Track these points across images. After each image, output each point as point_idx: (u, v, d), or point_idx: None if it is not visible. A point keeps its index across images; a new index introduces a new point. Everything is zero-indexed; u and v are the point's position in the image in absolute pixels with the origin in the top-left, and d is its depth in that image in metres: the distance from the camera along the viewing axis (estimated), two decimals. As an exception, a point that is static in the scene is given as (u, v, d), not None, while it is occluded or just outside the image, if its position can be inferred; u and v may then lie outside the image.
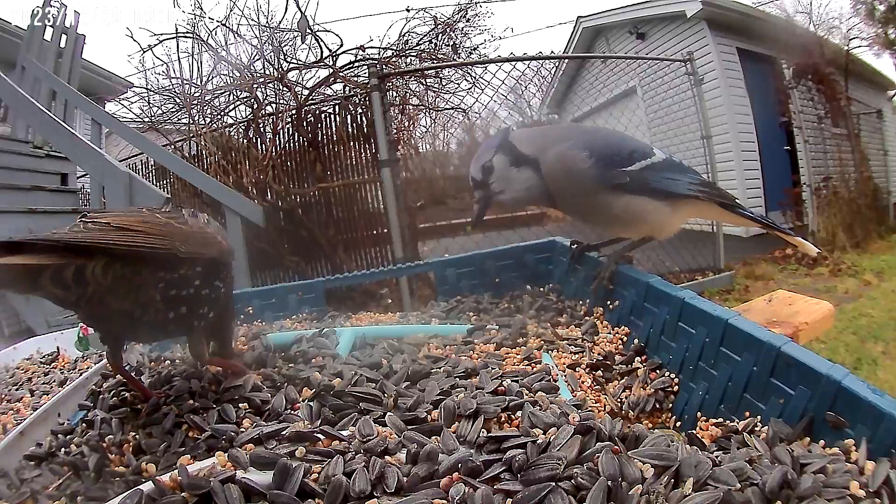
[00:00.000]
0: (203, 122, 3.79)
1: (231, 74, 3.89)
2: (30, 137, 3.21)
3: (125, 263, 0.54)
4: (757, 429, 0.51)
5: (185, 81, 3.86)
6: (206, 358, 0.66)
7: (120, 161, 2.22)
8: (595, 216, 0.84)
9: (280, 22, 3.77)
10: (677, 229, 0.85)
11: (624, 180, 0.77)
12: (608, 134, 0.84)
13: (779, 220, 5.32)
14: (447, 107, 4.28)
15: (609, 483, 0.38)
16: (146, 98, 4.10)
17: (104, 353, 0.61)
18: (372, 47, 3.88)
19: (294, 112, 3.67)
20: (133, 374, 0.69)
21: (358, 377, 0.61)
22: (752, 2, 5.72)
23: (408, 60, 4.08)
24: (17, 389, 0.80)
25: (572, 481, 0.39)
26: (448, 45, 4.17)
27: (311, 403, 0.57)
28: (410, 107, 3.85)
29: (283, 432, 0.49)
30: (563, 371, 0.68)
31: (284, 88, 3.73)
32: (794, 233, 0.89)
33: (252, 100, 3.80)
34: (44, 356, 0.95)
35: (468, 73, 4.12)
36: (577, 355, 0.72)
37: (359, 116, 3.62)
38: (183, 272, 0.58)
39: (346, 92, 3.78)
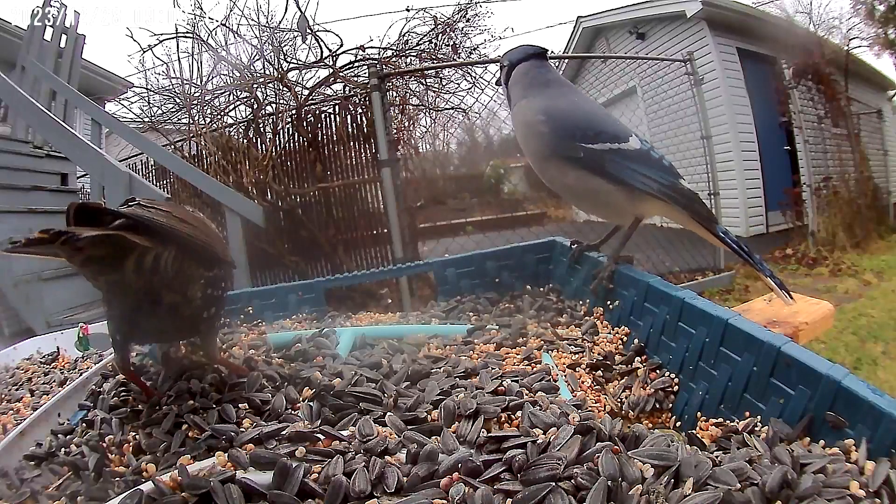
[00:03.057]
0: (203, 122, 3.79)
1: (231, 74, 3.89)
2: (30, 137, 3.21)
3: (186, 256, 0.54)
4: (757, 429, 0.51)
5: (185, 81, 3.86)
6: (218, 358, 0.66)
7: (120, 161, 2.22)
8: (548, 181, 0.85)
9: (280, 22, 3.77)
10: (641, 218, 0.84)
11: (577, 155, 0.77)
12: (584, 107, 0.84)
13: (779, 220, 5.35)
14: (447, 107, 4.28)
15: (609, 483, 0.38)
16: (146, 98, 4.10)
17: (112, 348, 0.60)
18: (372, 47, 3.88)
19: (294, 112, 3.67)
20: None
21: (358, 377, 0.61)
22: (752, 2, 5.73)
23: (408, 60, 4.08)
24: (17, 389, 0.80)
25: (572, 481, 0.39)
26: (448, 45, 4.17)
27: (311, 403, 0.57)
28: (410, 107, 3.85)
29: (283, 432, 0.49)
30: (563, 371, 0.68)
31: (284, 88, 3.73)
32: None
33: (252, 100, 3.80)
34: (44, 356, 0.95)
35: (468, 73, 4.12)
36: (577, 355, 0.72)
37: (359, 116, 3.62)
38: (216, 271, 0.59)
39: (346, 92, 3.78)
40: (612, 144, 0.78)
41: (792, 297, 0.77)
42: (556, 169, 0.80)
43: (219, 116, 3.93)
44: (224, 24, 3.77)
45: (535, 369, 0.66)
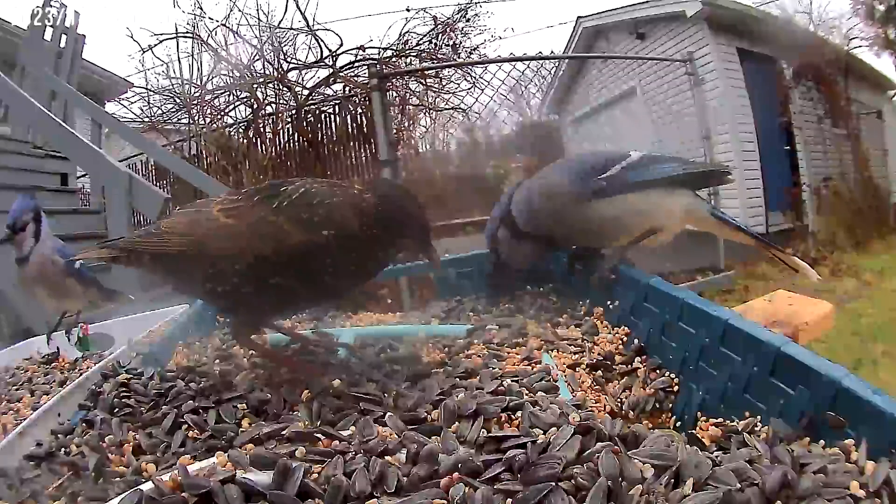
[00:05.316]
0: (203, 122, 3.80)
1: (231, 74, 3.90)
2: (30, 137, 3.21)
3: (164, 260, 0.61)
4: (757, 429, 0.51)
5: (185, 81, 3.87)
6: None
7: (120, 161, 2.22)
8: (583, 230, 0.87)
9: (280, 22, 3.77)
10: (678, 220, 0.87)
11: (601, 185, 0.82)
12: (581, 155, 0.90)
13: (779, 220, 5.35)
14: (447, 107, 4.29)
15: (609, 483, 0.38)
16: (146, 98, 4.11)
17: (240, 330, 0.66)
18: (372, 47, 3.89)
19: (294, 112, 3.68)
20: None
21: (358, 377, 0.61)
22: (752, 2, 5.72)
23: (408, 60, 4.09)
24: (17, 389, 0.80)
25: (572, 481, 0.39)
26: (448, 45, 4.18)
27: (311, 404, 0.57)
28: (410, 107, 3.86)
29: (283, 432, 0.49)
30: (563, 371, 0.68)
31: (284, 88, 3.73)
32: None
33: (252, 100, 3.81)
34: (44, 356, 0.95)
35: (468, 73, 4.13)
36: (577, 355, 0.72)
37: (359, 116, 3.63)
38: (220, 267, 0.60)
39: (346, 92, 3.79)
40: (621, 164, 0.84)
41: (819, 279, 0.82)
42: (589, 210, 0.84)
43: (219, 116, 3.94)
44: (224, 24, 3.78)
45: (535, 369, 0.66)
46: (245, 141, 3.76)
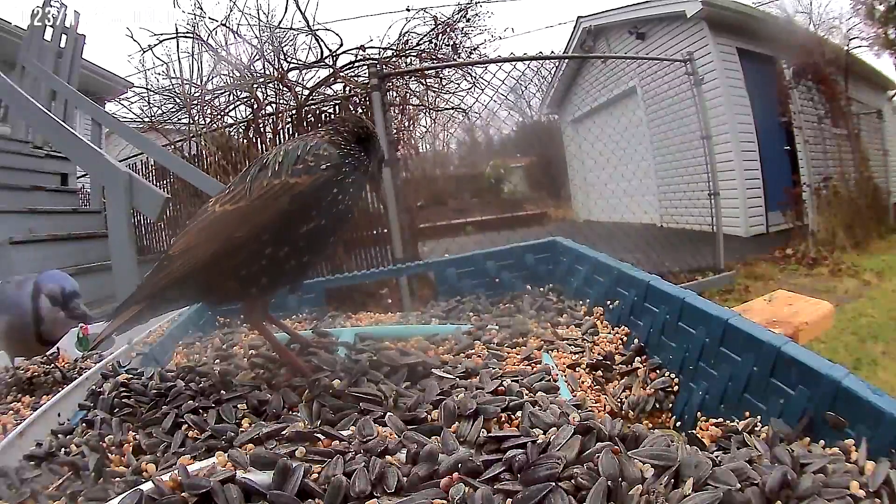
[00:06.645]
0: (203, 122, 3.80)
1: (231, 74, 3.89)
2: (30, 137, 3.21)
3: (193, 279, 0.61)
4: (757, 429, 0.51)
5: (185, 81, 3.87)
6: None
7: (120, 161, 2.22)
8: None
9: (280, 22, 3.77)
10: None
11: None
12: None
13: (779, 220, 5.35)
14: (447, 107, 4.28)
15: (609, 483, 0.38)
16: (146, 98, 4.11)
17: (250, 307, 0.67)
18: (372, 47, 3.89)
19: (294, 112, 3.67)
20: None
21: (358, 377, 0.61)
22: (752, 2, 5.72)
23: (408, 60, 4.09)
24: (17, 389, 0.80)
25: (572, 481, 0.39)
26: (448, 45, 4.17)
27: (310, 404, 0.57)
28: (410, 107, 3.85)
29: (283, 432, 0.49)
30: (563, 371, 0.68)
31: (284, 88, 3.73)
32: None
33: (252, 100, 3.80)
34: (44, 356, 0.95)
35: (468, 73, 4.12)
36: (577, 355, 0.72)
37: (359, 116, 3.62)
38: (252, 249, 0.60)
39: (347, 92, 3.78)
40: None
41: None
42: None
43: (219, 116, 3.94)
44: (224, 24, 3.78)
45: (535, 369, 0.66)
46: (245, 141, 3.76)
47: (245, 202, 0.60)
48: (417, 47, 4.12)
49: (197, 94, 3.84)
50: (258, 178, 0.61)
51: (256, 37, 3.80)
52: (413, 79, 3.89)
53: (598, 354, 0.72)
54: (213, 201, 0.64)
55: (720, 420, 0.57)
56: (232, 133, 3.89)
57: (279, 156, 0.62)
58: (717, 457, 0.42)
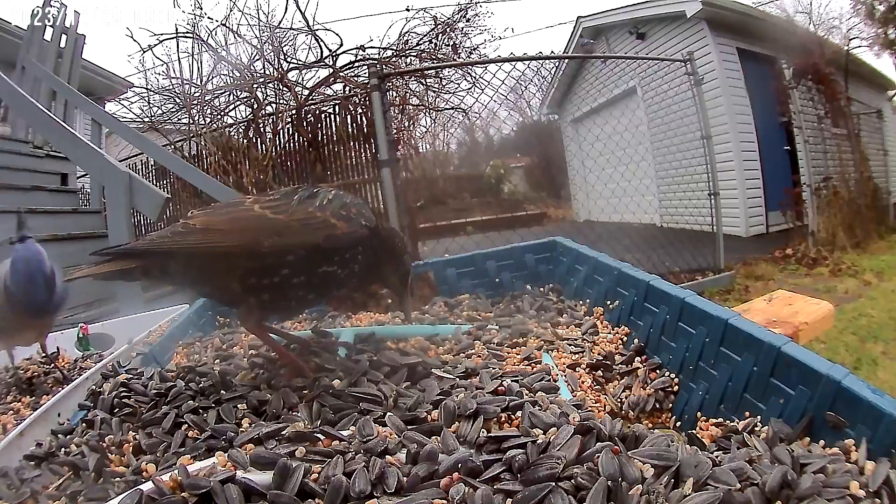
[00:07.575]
0: (203, 122, 3.80)
1: (231, 74, 3.89)
2: (30, 137, 3.21)
3: (204, 259, 0.61)
4: (757, 429, 0.51)
5: (185, 81, 3.87)
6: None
7: (120, 161, 2.22)
8: None
9: (280, 22, 3.77)
10: None
11: None
12: None
13: (779, 220, 5.36)
14: (447, 107, 4.29)
15: (609, 483, 0.38)
16: (146, 98, 4.11)
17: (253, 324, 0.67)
18: (372, 47, 3.89)
19: (294, 112, 3.68)
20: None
21: (358, 377, 0.61)
22: (752, 2, 5.73)
23: (408, 60, 4.09)
24: (17, 389, 0.80)
25: (572, 481, 0.39)
26: (448, 45, 4.18)
27: (311, 404, 0.57)
28: (410, 107, 3.86)
29: (283, 432, 0.49)
30: (563, 371, 0.68)
31: (284, 88, 3.73)
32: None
33: (252, 100, 3.80)
34: (44, 356, 0.95)
35: (468, 73, 4.13)
36: (577, 355, 0.72)
37: (359, 116, 3.63)
38: (269, 261, 0.60)
39: (346, 92, 3.79)
40: None
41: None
42: None
43: (219, 116, 3.94)
44: (224, 24, 3.78)
45: (535, 369, 0.66)
46: (245, 141, 3.77)
47: (285, 217, 0.61)
48: (417, 47, 4.12)
49: (197, 94, 3.84)
50: (305, 202, 0.63)
51: (256, 37, 3.80)
52: (413, 79, 3.90)
53: (598, 354, 0.72)
54: (254, 200, 0.65)
55: (720, 420, 0.57)
56: (232, 133, 3.89)
57: (329, 194, 0.65)
58: (717, 457, 0.42)
